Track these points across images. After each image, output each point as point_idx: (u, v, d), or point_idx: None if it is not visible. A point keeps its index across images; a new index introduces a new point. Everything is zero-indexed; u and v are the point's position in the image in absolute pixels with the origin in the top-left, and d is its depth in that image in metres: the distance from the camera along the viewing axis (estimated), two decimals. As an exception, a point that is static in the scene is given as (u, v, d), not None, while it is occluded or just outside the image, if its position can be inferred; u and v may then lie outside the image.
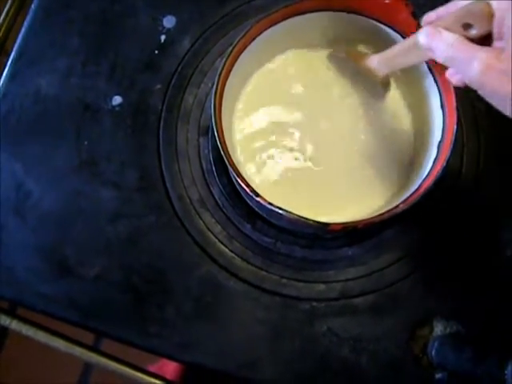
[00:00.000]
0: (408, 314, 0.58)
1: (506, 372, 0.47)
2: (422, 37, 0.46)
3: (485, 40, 0.43)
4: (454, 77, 0.48)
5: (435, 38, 0.44)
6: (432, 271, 0.59)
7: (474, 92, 0.61)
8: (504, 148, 0.62)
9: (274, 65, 0.61)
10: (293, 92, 0.61)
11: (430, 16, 0.49)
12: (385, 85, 0.60)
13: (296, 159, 0.59)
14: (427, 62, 0.55)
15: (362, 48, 0.61)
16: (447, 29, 0.44)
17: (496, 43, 0.42)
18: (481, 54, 0.41)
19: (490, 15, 0.42)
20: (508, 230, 0.60)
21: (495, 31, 0.42)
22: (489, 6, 0.42)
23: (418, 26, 0.52)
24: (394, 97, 0.61)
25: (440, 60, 0.45)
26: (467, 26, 0.44)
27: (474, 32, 0.43)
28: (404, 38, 0.55)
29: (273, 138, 0.59)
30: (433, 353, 0.55)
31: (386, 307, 0.58)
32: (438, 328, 0.56)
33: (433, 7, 0.61)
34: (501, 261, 0.59)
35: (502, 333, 0.56)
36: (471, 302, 0.58)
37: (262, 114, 0.60)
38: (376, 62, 0.57)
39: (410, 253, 0.60)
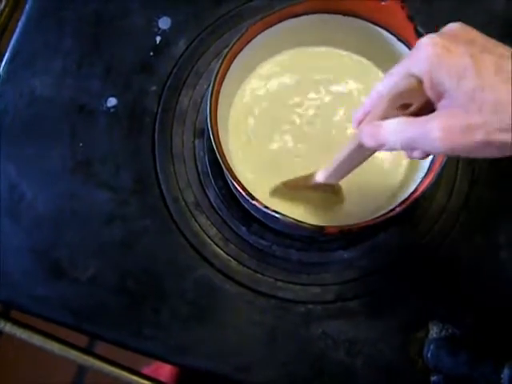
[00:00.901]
0: (403, 316, 0.58)
1: (502, 376, 0.47)
2: (365, 140, 0.43)
3: (426, 110, 0.40)
4: (413, 153, 0.44)
5: (379, 133, 0.41)
6: (427, 274, 0.59)
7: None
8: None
9: (269, 67, 0.61)
10: (289, 94, 0.60)
11: (357, 116, 0.46)
12: (338, 192, 0.57)
13: (292, 161, 0.58)
14: None
15: (354, 55, 0.61)
16: (384, 118, 0.41)
17: (439, 105, 0.39)
18: (433, 122, 0.38)
19: (419, 85, 0.39)
20: (503, 233, 0.60)
21: (432, 95, 0.39)
22: (413, 77, 0.39)
23: (415, 29, 0.52)
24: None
25: (398, 149, 0.41)
26: (404, 107, 0.41)
27: (412, 108, 0.41)
28: (400, 40, 0.55)
29: (269, 140, 0.59)
30: (428, 356, 0.55)
31: (382, 310, 0.58)
32: (434, 331, 0.56)
33: (428, 10, 0.62)
34: (496, 264, 0.59)
35: (498, 336, 0.56)
36: (467, 305, 0.58)
37: (258, 116, 0.60)
38: (323, 176, 0.54)
39: (406, 256, 0.60)
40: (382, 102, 0.42)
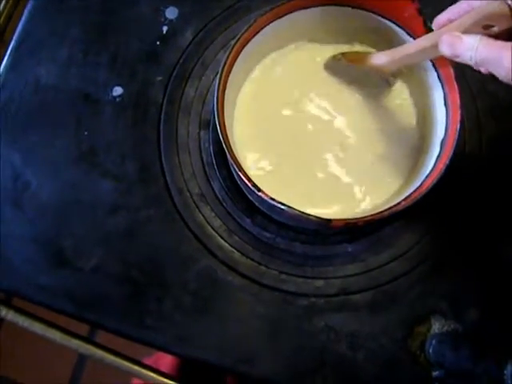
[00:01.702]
0: (406, 311, 0.58)
1: (505, 372, 0.47)
2: (444, 48, 0.45)
3: (506, 34, 0.43)
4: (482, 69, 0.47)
5: (457, 45, 0.44)
6: (430, 269, 0.59)
7: (476, 89, 0.62)
8: (505, 146, 0.62)
9: (277, 58, 0.61)
10: (295, 87, 0.60)
11: (441, 19, 0.48)
12: (391, 80, 0.60)
13: (298, 153, 0.58)
14: (432, 60, 0.55)
15: (361, 46, 0.61)
16: (466, 32, 0.44)
17: None
18: (507, 51, 0.40)
19: (510, 11, 0.41)
20: (505, 229, 0.60)
21: None
22: (505, 3, 0.41)
23: (424, 23, 0.52)
24: (401, 93, 0.60)
25: (470, 64, 0.44)
26: (487, 27, 0.43)
27: (495, 29, 0.43)
28: (409, 34, 0.55)
29: (275, 131, 0.59)
30: (430, 350, 0.55)
31: (385, 304, 0.58)
32: (436, 326, 0.56)
33: (438, 3, 0.61)
34: (500, 260, 0.59)
35: (501, 332, 0.56)
36: (470, 301, 0.58)
37: (265, 108, 0.60)
38: (383, 60, 0.56)
39: (409, 250, 0.60)
40: (468, 17, 0.44)
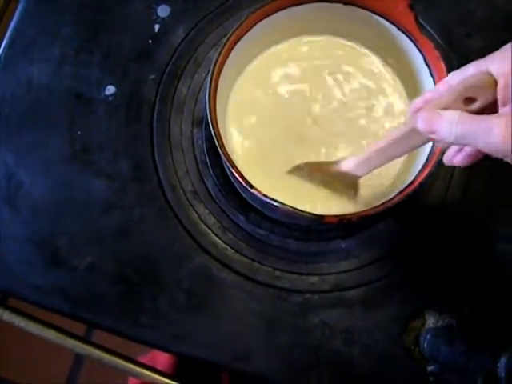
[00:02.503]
0: (400, 306, 0.58)
1: (498, 365, 0.47)
2: (420, 123, 0.42)
3: (486, 111, 0.41)
4: (455, 158, 0.46)
5: (435, 120, 0.41)
6: (425, 264, 0.59)
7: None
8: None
9: (270, 56, 0.61)
10: (288, 83, 0.60)
11: (416, 103, 0.46)
12: (354, 186, 0.57)
13: (293, 149, 0.58)
14: (422, 54, 0.55)
15: (352, 43, 0.61)
16: (446, 108, 0.41)
17: (502, 109, 0.40)
18: (498, 120, 0.37)
19: (493, 82, 0.40)
20: (501, 224, 0.60)
21: (500, 98, 0.40)
22: (488, 74, 0.40)
23: (415, 19, 0.52)
24: (394, 89, 0.60)
25: (448, 140, 0.41)
26: (469, 101, 0.41)
27: (476, 105, 0.41)
28: (400, 30, 0.55)
29: (269, 128, 0.59)
30: (425, 345, 0.55)
31: (379, 300, 0.58)
32: (431, 321, 0.56)
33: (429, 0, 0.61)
34: (493, 254, 0.59)
35: (495, 326, 0.56)
36: (463, 295, 0.58)
37: (257, 105, 0.60)
38: (352, 165, 0.54)
39: (403, 246, 0.60)
40: (447, 93, 0.42)
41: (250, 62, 0.61)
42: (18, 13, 0.66)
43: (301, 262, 0.59)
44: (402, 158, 0.57)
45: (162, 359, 0.75)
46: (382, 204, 0.50)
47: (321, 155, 0.58)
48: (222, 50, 0.53)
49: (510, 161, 0.39)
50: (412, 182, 0.52)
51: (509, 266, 0.59)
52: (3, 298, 0.63)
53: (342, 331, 0.57)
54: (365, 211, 0.50)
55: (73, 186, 0.61)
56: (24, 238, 0.60)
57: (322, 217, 0.50)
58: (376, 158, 0.51)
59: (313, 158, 0.58)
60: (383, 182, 0.57)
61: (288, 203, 0.50)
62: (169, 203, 0.60)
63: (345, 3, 0.57)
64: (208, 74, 0.53)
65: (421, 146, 0.48)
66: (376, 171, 0.54)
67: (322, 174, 0.57)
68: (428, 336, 0.55)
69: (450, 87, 0.43)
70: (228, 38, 0.54)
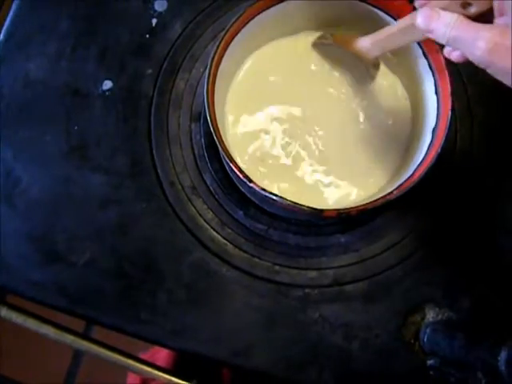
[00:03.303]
0: (400, 300, 0.58)
1: (498, 359, 0.47)
2: (419, 19, 0.45)
3: (484, 17, 0.42)
4: (452, 53, 0.47)
5: (433, 19, 0.43)
6: (424, 258, 0.59)
7: (467, 77, 0.62)
8: (497, 133, 0.62)
9: (267, 50, 0.60)
10: (285, 78, 0.60)
11: None
12: (375, 66, 0.60)
13: (288, 145, 0.58)
14: (421, 46, 0.54)
15: (351, 32, 0.60)
16: (445, 9, 0.43)
17: (498, 20, 0.42)
18: (485, 32, 0.40)
19: None
20: (501, 217, 0.60)
21: (496, 8, 0.41)
22: None
23: (414, 11, 0.51)
24: (392, 82, 0.60)
25: (441, 41, 0.44)
26: (466, 5, 0.43)
27: (473, 10, 0.43)
28: (398, 22, 0.55)
29: (265, 123, 0.59)
30: (425, 339, 0.55)
31: (378, 294, 0.58)
32: (430, 315, 0.56)
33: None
34: (493, 248, 0.59)
35: (494, 319, 0.56)
36: (463, 289, 0.58)
37: (255, 100, 0.59)
38: (368, 43, 0.56)
39: (402, 240, 0.60)
40: None
41: (248, 55, 0.60)
42: (14, 8, 0.65)
43: (300, 256, 0.59)
44: (401, 153, 0.57)
45: (163, 355, 0.75)
46: (381, 198, 0.50)
47: (319, 147, 0.58)
48: (219, 45, 0.53)
49: (491, 72, 0.41)
50: (411, 176, 0.51)
51: (508, 260, 0.59)
52: (1, 295, 0.62)
53: (341, 326, 0.57)
54: (363, 205, 0.50)
55: (70, 181, 0.60)
56: (22, 234, 0.60)
57: (321, 211, 0.50)
58: (388, 41, 0.54)
59: (313, 154, 0.58)
60: (382, 177, 0.57)
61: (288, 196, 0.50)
62: (167, 198, 0.60)
63: (343, -4, 0.56)
64: (206, 68, 0.53)
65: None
66: (375, 166, 0.54)
67: (346, 47, 0.59)
68: (428, 330, 0.55)
69: None
70: (225, 32, 0.53)
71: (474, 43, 0.40)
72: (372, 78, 0.60)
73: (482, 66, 0.41)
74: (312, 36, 0.61)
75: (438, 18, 0.43)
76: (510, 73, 0.39)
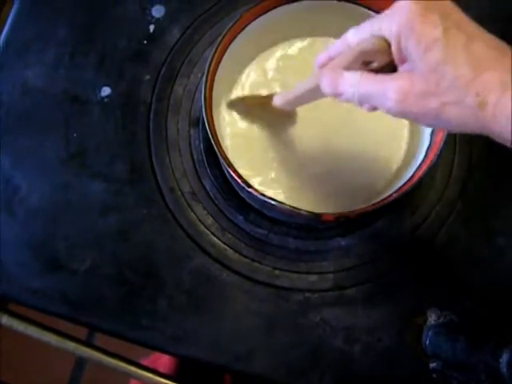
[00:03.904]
0: (401, 303, 0.58)
1: (500, 361, 0.47)
2: (324, 86, 0.44)
3: (387, 68, 0.41)
4: (363, 106, 0.45)
5: (338, 83, 0.42)
6: (425, 261, 0.59)
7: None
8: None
9: (266, 53, 0.60)
10: (286, 80, 0.60)
11: (321, 59, 0.47)
12: (293, 116, 0.59)
13: (285, 149, 0.58)
14: None
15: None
16: (347, 68, 0.42)
17: (401, 68, 0.40)
18: (391, 83, 0.39)
19: (387, 46, 0.40)
20: (501, 219, 0.60)
21: (396, 58, 0.40)
22: (382, 38, 0.40)
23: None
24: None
25: (353, 102, 0.43)
26: (368, 63, 0.42)
27: (375, 65, 0.41)
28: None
29: (263, 129, 0.59)
30: (427, 342, 0.55)
31: (380, 297, 0.58)
32: (432, 317, 0.56)
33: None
34: (494, 250, 0.59)
35: (496, 322, 0.56)
36: (465, 292, 0.57)
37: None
38: (279, 103, 0.55)
39: (403, 243, 0.60)
40: (347, 54, 0.43)
41: (247, 60, 0.60)
42: (12, 16, 0.66)
43: (300, 260, 0.59)
44: (400, 156, 0.57)
45: (164, 361, 0.75)
46: (380, 201, 0.50)
47: (317, 153, 0.58)
48: (216, 50, 0.53)
49: (411, 119, 0.42)
50: (410, 179, 0.51)
51: (509, 261, 0.58)
52: (3, 303, 0.62)
53: (342, 330, 0.57)
54: (362, 208, 0.50)
55: (70, 188, 0.61)
56: (22, 242, 0.60)
57: (319, 215, 0.50)
58: (296, 100, 0.53)
59: (308, 158, 0.58)
60: (381, 180, 0.57)
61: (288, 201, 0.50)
62: (167, 204, 0.60)
63: (339, 0, 0.56)
64: (203, 73, 0.53)
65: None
66: (374, 169, 0.54)
67: (258, 106, 0.58)
68: (430, 333, 0.55)
69: (349, 47, 0.43)
70: (222, 37, 0.53)
71: (385, 96, 0.39)
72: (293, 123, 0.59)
73: (399, 116, 0.40)
74: (310, 37, 0.61)
75: (342, 81, 0.42)
76: (428, 116, 0.38)
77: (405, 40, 0.38)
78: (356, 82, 0.41)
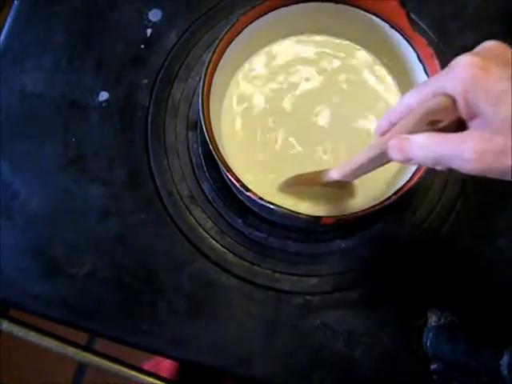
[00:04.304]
0: (402, 305, 0.58)
1: (501, 363, 0.47)
2: (393, 155, 0.42)
3: (453, 126, 0.40)
4: (436, 167, 0.43)
5: (407, 148, 0.40)
6: (425, 262, 0.59)
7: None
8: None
9: (262, 57, 0.60)
10: (280, 86, 0.60)
11: (382, 126, 0.46)
12: (349, 188, 0.57)
13: (287, 151, 0.58)
14: (417, 53, 0.54)
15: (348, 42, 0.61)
16: (412, 131, 0.40)
17: (471, 124, 0.38)
18: (467, 144, 0.37)
19: (453, 104, 0.38)
20: (501, 220, 0.59)
21: (465, 114, 0.38)
22: (446, 96, 0.38)
23: (407, 16, 0.51)
24: (390, 89, 0.60)
25: (426, 165, 0.41)
26: (433, 123, 0.40)
27: (442, 124, 0.40)
28: (393, 27, 0.55)
29: (263, 131, 0.59)
30: (427, 344, 0.55)
31: (380, 299, 0.58)
32: (433, 319, 0.56)
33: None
34: (494, 251, 0.59)
35: (497, 323, 0.56)
36: (465, 293, 0.57)
37: (252, 107, 0.59)
38: (335, 176, 0.53)
39: (403, 244, 0.59)
40: (411, 117, 0.41)
41: (244, 63, 0.60)
42: (9, 21, 0.66)
43: (300, 263, 0.59)
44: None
45: (166, 366, 0.75)
46: (379, 203, 0.50)
47: (317, 157, 0.58)
48: (213, 54, 0.53)
49: (491, 177, 0.37)
50: (409, 181, 0.51)
51: (509, 262, 0.58)
52: (3, 308, 0.62)
53: (343, 332, 0.57)
54: (361, 211, 0.50)
55: (68, 194, 0.61)
56: (21, 247, 0.60)
57: (318, 218, 0.50)
58: (357, 171, 0.50)
59: (311, 161, 0.58)
60: (380, 182, 0.57)
61: (288, 204, 0.49)
62: (166, 208, 0.60)
63: (336, 2, 0.56)
64: (201, 77, 0.53)
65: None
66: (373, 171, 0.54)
67: (313, 184, 0.56)
68: (430, 334, 0.55)
69: (411, 109, 0.42)
70: (219, 41, 0.53)
71: (461, 158, 0.37)
72: (351, 196, 0.57)
73: (478, 175, 0.38)
74: (307, 39, 0.61)
75: (411, 145, 0.40)
76: (508, 173, 0.36)
77: (472, 96, 0.37)
78: (425, 145, 0.39)
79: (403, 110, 0.43)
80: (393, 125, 0.44)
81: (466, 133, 0.38)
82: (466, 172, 0.38)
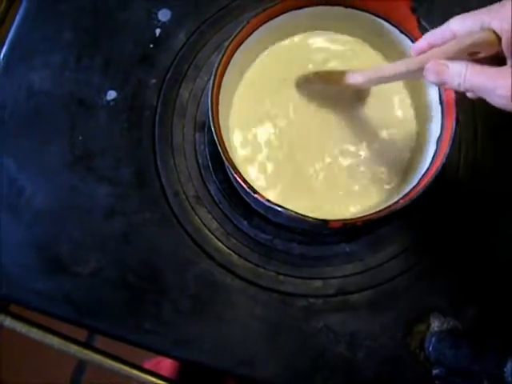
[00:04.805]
0: (405, 309, 0.58)
1: (505, 370, 0.47)
2: (430, 77, 0.44)
3: (494, 60, 0.41)
4: (468, 94, 0.46)
5: (444, 73, 0.42)
6: (429, 267, 0.59)
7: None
8: (501, 142, 0.62)
9: (271, 58, 0.60)
10: (291, 85, 0.60)
11: (420, 45, 0.47)
12: (363, 95, 0.59)
13: (292, 155, 0.58)
14: None
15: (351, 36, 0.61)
16: (451, 58, 0.42)
17: (510, 62, 0.40)
18: (503, 81, 0.38)
19: (497, 40, 0.40)
20: (506, 225, 0.60)
21: (507, 52, 0.40)
22: (492, 31, 0.40)
23: (418, 21, 0.51)
24: (397, 91, 0.60)
25: (458, 90, 0.43)
26: (473, 53, 0.41)
27: (480, 55, 0.41)
28: (403, 32, 0.55)
29: (269, 133, 0.59)
30: (430, 349, 0.55)
31: (383, 303, 0.58)
32: (435, 324, 0.56)
33: (430, 1, 0.61)
34: (499, 256, 0.59)
35: (501, 329, 0.56)
36: (468, 298, 0.58)
37: (259, 110, 0.59)
38: (359, 80, 0.54)
39: (408, 249, 0.59)
40: (454, 44, 0.42)
41: (252, 64, 0.60)
42: (18, 19, 0.66)
43: (305, 266, 0.59)
44: (405, 163, 0.57)
45: (167, 365, 0.75)
46: (386, 208, 0.50)
47: (325, 160, 0.58)
48: (223, 55, 0.53)
49: None
50: (416, 186, 0.51)
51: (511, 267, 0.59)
52: (5, 304, 0.62)
53: (346, 335, 0.57)
54: (369, 215, 0.50)
55: (75, 191, 0.60)
56: (26, 244, 0.60)
57: (326, 221, 0.49)
58: (381, 80, 0.53)
59: (317, 165, 0.58)
60: (387, 186, 0.57)
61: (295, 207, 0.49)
62: (171, 209, 0.60)
63: (346, 6, 0.56)
64: (210, 77, 0.53)
65: None
66: (379, 176, 0.54)
67: (330, 84, 0.57)
68: (433, 339, 0.55)
69: (453, 37, 0.43)
70: (229, 43, 0.53)
71: (494, 92, 0.39)
72: (361, 101, 0.59)
73: (507, 109, 0.40)
74: (316, 41, 0.61)
75: (447, 71, 0.42)
76: None
77: None
78: (463, 74, 0.41)
79: (445, 36, 0.44)
80: (431, 47, 0.45)
81: (504, 69, 0.39)
82: (497, 106, 0.40)
